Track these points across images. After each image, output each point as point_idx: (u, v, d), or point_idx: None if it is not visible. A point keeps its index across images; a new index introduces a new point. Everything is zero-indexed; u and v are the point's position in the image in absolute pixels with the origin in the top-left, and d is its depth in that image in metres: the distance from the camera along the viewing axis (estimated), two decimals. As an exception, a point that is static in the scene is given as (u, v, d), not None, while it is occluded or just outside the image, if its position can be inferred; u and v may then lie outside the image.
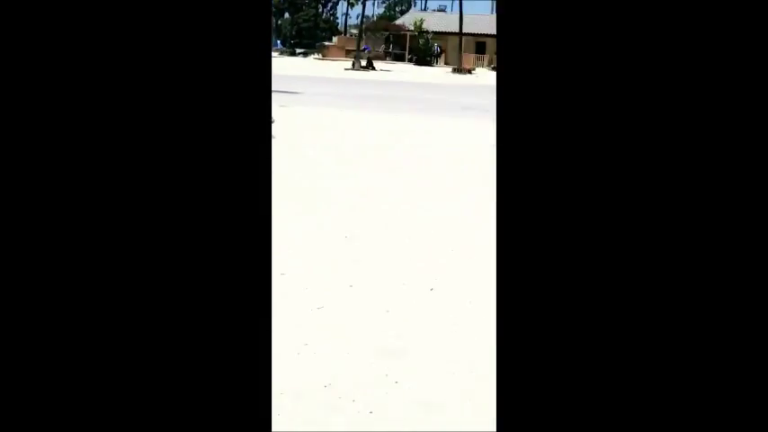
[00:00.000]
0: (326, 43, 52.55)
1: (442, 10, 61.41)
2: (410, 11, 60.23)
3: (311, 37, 60.30)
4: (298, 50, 53.03)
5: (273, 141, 8.71)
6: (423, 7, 64.60)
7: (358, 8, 45.80)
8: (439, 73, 36.34)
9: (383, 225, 5.19)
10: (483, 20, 49.69)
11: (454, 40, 42.14)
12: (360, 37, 40.23)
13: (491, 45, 45.65)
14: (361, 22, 43.44)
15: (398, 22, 54.18)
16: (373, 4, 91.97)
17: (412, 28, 46.37)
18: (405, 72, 34.92)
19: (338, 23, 72.67)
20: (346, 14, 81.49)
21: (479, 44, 46.97)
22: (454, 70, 37.84)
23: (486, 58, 45.38)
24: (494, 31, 43.40)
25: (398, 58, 47.93)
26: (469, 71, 38.18)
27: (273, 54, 41.54)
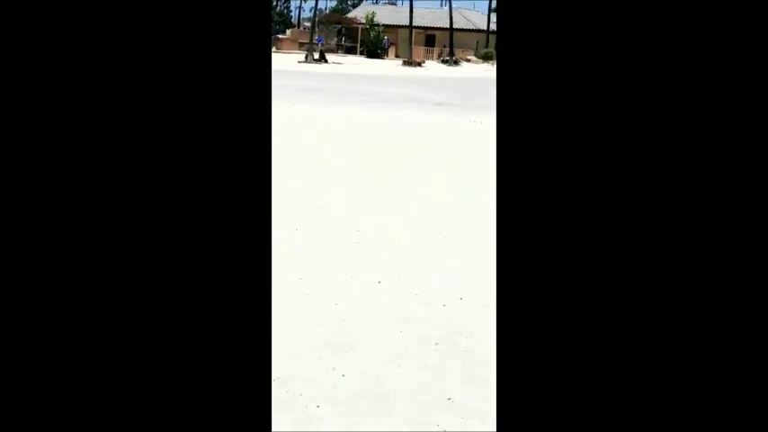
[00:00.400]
0: (280, 36, 52.16)
1: (392, 3, 61.36)
2: (362, 4, 60.01)
3: (264, 29, 59.67)
4: (250, 43, 52.49)
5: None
6: (374, 1, 64.50)
7: (311, 1, 45.48)
8: (390, 65, 36.34)
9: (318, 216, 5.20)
10: (433, 13, 49.93)
11: (404, 33, 42.19)
12: (312, 30, 40.03)
13: (440, 38, 45.84)
14: (314, 14, 43.24)
15: (351, 15, 54.00)
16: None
17: (364, 21, 46.28)
18: (356, 64, 34.84)
19: (291, 16, 72.22)
20: (299, 7, 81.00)
21: (429, 37, 47.14)
22: (405, 63, 37.86)
23: (436, 50, 45.52)
24: (443, 25, 43.63)
25: (350, 50, 47.79)
26: (419, 64, 38.24)
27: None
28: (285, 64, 31.18)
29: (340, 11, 65.61)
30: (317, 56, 35.47)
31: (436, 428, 2.44)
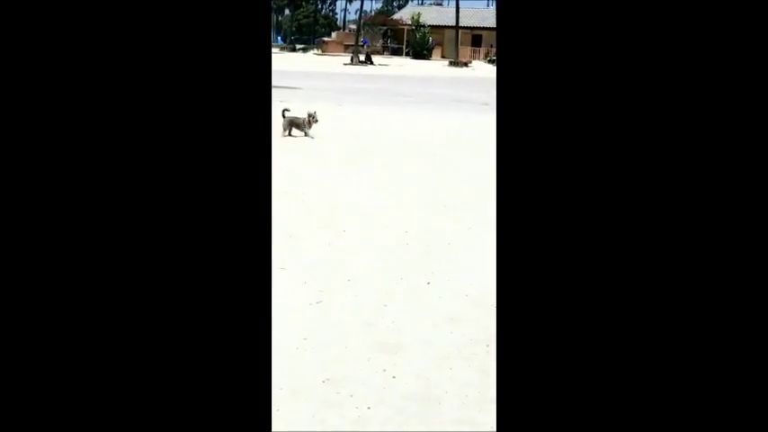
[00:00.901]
0: (325, 39, 52.59)
1: (438, 4, 61.21)
2: (407, 5, 60.03)
3: (311, 33, 60.29)
4: (297, 46, 53.09)
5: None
6: (420, 2, 64.44)
7: (356, 3, 45.77)
8: (435, 66, 36.28)
9: (375, 220, 5.20)
10: (479, 13, 49.67)
11: (451, 34, 42.10)
12: (358, 32, 40.17)
13: (487, 38, 45.60)
14: (360, 17, 43.37)
15: (396, 16, 54.12)
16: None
17: (409, 22, 46.29)
18: (402, 66, 34.86)
19: (337, 19, 72.66)
20: (345, 10, 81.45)
21: (476, 37, 46.94)
22: (451, 63, 37.79)
23: (483, 50, 45.31)
24: (490, 24, 43.36)
25: (396, 52, 47.88)
26: (466, 64, 38.13)
27: (274, 50, 41.44)
28: (331, 66, 31.37)
29: (385, 12, 65.78)
30: (362, 58, 35.64)
31: (489, 430, 2.41)
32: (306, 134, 9.02)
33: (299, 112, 9.25)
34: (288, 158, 7.55)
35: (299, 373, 2.76)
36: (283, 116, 8.98)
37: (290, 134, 9.02)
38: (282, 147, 8.34)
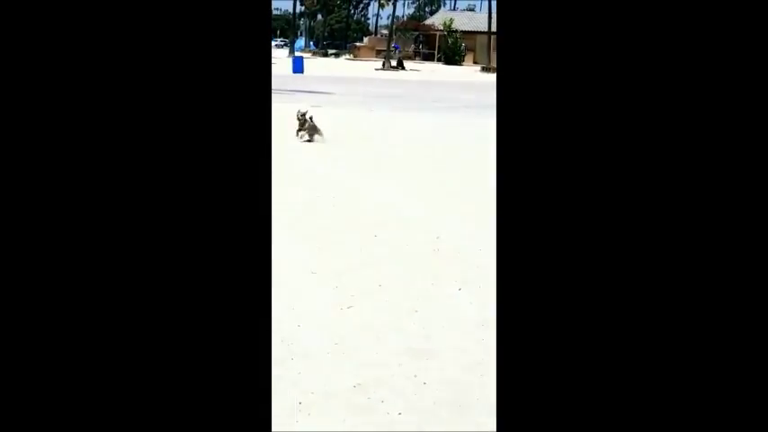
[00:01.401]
0: (357, 44, 52.77)
1: (471, 9, 61.21)
2: (440, 11, 60.08)
3: (343, 38, 60.55)
4: (330, 51, 53.35)
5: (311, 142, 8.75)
6: (452, 7, 64.38)
7: (389, 9, 45.85)
8: (468, 72, 36.20)
9: (405, 222, 5.20)
10: (513, 18, 49.34)
11: (483, 39, 41.96)
12: (390, 37, 40.24)
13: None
14: (392, 22, 43.43)
15: (428, 21, 54.13)
16: (404, 4, 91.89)
17: (441, 27, 46.27)
18: (434, 71, 34.85)
19: (369, 24, 72.85)
20: (377, 15, 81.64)
21: (509, 43, 46.66)
22: (483, 69, 37.65)
23: (516, 56, 45.09)
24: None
25: (427, 57, 47.87)
26: (498, 70, 37.99)
27: (306, 55, 41.72)
28: (362, 71, 31.46)
29: (417, 18, 65.85)
30: (394, 63, 35.67)
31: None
32: (310, 138, 8.91)
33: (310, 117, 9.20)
34: (318, 163, 7.59)
35: (329, 377, 2.77)
36: (300, 119, 8.90)
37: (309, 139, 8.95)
38: (312, 151, 8.38)
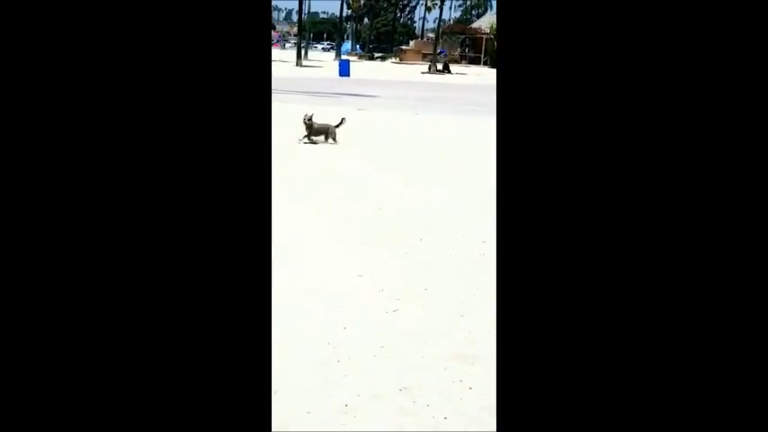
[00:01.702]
0: (403, 47, 52.82)
1: (519, 12, 60.58)
2: (486, 14, 59.79)
3: (389, 41, 60.69)
4: (376, 54, 53.51)
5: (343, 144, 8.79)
6: (499, 10, 63.88)
7: (435, 12, 45.80)
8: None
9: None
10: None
11: (531, 43, 41.60)
12: (436, 41, 40.21)
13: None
14: (438, 25, 43.37)
15: (475, 25, 54.00)
16: (450, 7, 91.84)
17: (488, 31, 46.07)
18: (480, 75, 34.69)
19: (415, 27, 72.89)
20: (423, 18, 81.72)
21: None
22: (531, 73, 37.30)
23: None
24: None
25: (474, 60, 47.73)
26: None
27: (352, 58, 41.89)
28: (408, 75, 31.48)
29: (464, 21, 65.67)
30: (440, 66, 35.62)
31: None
32: (326, 140, 8.98)
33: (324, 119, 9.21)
34: (363, 166, 7.62)
35: (375, 380, 2.78)
36: (307, 123, 8.93)
37: (311, 141, 8.97)
38: (356, 154, 8.41)
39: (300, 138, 8.89)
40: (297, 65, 34.25)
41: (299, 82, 20.87)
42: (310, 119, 8.97)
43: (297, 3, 40.75)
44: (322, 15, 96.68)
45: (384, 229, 5.12)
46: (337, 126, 9.10)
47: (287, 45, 63.79)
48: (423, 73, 33.96)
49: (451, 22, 64.55)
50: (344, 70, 27.78)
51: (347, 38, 66.86)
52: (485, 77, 32.20)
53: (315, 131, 9.04)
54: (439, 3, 41.80)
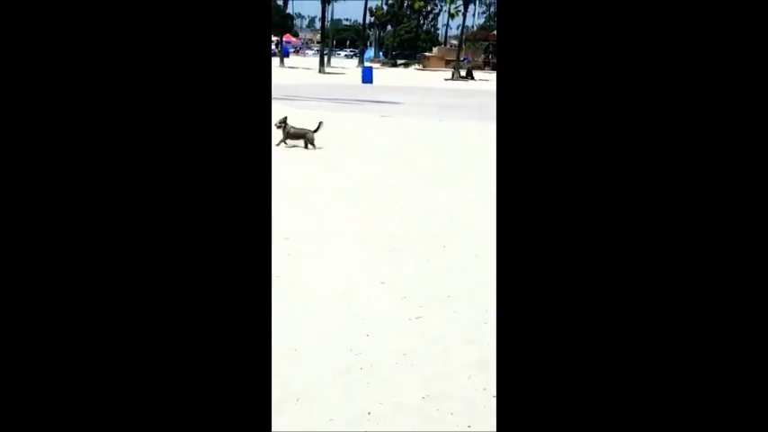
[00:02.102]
0: (427, 54, 52.81)
1: (543, 18, 60.40)
2: (510, 20, 59.55)
3: (412, 48, 60.78)
4: (399, 61, 53.62)
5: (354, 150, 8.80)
6: (523, 16, 63.65)
7: (458, 19, 45.81)
8: (539, 82, 35.80)
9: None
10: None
11: (555, 49, 41.48)
12: (460, 47, 40.18)
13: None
14: (461, 32, 43.34)
15: (498, 31, 53.83)
16: (473, 14, 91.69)
17: (512, 37, 45.91)
18: (504, 82, 34.54)
19: (438, 34, 72.91)
20: (447, 25, 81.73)
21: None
22: (555, 79, 37.17)
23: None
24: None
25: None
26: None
27: (376, 65, 41.98)
28: (431, 81, 31.48)
29: (487, 28, 65.57)
30: (463, 73, 35.57)
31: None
32: (306, 146, 8.90)
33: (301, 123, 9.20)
34: (387, 173, 7.61)
35: (398, 388, 2.76)
36: (280, 127, 8.85)
37: (285, 144, 8.92)
38: (378, 160, 8.41)
39: (276, 142, 8.72)
40: (320, 72, 34.42)
41: (322, 89, 20.96)
42: (282, 122, 8.84)
43: (320, 10, 40.91)
44: (345, 22, 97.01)
45: (407, 235, 5.10)
46: (315, 131, 8.95)
47: (309, 53, 64.06)
48: (446, 80, 33.94)
49: (475, 28, 64.50)
50: (367, 77, 27.84)
51: (370, 45, 67.09)
52: (508, 84, 32.08)
53: (291, 135, 8.91)
54: (462, 9, 41.77)
